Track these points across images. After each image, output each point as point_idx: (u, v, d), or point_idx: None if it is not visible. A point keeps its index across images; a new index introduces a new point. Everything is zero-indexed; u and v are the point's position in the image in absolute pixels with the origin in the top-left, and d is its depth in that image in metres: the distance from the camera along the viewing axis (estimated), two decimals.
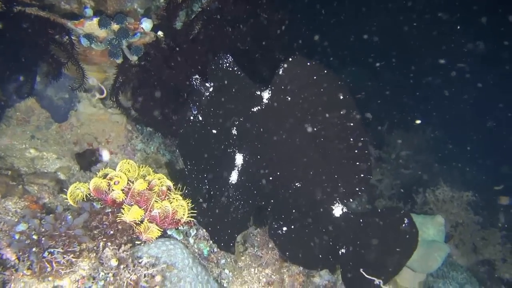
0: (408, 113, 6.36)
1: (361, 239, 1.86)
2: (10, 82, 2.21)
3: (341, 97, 1.71)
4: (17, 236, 1.65)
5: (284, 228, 1.95)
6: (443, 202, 3.85)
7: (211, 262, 1.97)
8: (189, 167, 2.14)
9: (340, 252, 1.89)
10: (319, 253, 1.94)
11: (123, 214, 1.89)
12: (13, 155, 2.51)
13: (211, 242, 2.03)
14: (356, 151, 1.75)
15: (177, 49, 2.37)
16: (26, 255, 1.57)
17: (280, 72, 1.75)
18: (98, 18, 2.17)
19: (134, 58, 2.34)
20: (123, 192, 1.95)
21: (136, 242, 1.89)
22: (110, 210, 1.94)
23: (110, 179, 2.01)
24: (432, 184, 4.20)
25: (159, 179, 2.12)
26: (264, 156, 1.93)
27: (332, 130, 1.76)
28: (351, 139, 1.74)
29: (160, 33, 2.45)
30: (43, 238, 1.61)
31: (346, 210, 1.85)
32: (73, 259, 1.63)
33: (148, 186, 2.03)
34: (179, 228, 2.06)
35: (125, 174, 2.03)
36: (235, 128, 1.95)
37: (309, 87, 1.74)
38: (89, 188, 1.94)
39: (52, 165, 2.57)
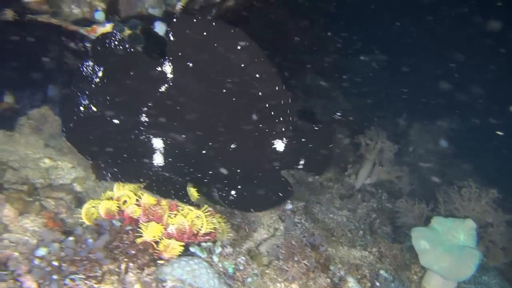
0: (429, 104, 6.16)
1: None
2: (23, 90, 2.12)
3: (241, 46, 1.62)
4: (36, 262, 1.58)
5: (233, 192, 2.06)
6: (468, 200, 3.70)
7: (237, 281, 1.88)
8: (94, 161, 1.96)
9: (300, 165, 2.17)
10: (273, 189, 2.16)
11: (142, 232, 1.81)
12: (28, 166, 2.43)
13: (237, 259, 1.94)
14: (271, 92, 1.78)
15: None
16: (47, 283, 1.49)
17: (171, 38, 1.62)
18: (111, 24, 2.05)
19: None
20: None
21: (158, 262, 1.81)
22: (130, 228, 1.86)
23: (118, 199, 1.93)
24: (455, 180, 4.04)
25: None
26: (189, 132, 1.87)
27: (244, 83, 1.73)
28: (265, 85, 1.75)
29: None
30: (64, 265, 1.53)
31: (286, 141, 2.00)
32: (95, 285, 1.55)
33: (156, 201, 1.95)
34: (202, 244, 1.97)
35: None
36: (144, 115, 1.80)
37: (207, 46, 1.64)
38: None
39: (67, 175, 2.49)
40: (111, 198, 1.94)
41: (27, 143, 2.55)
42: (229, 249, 1.95)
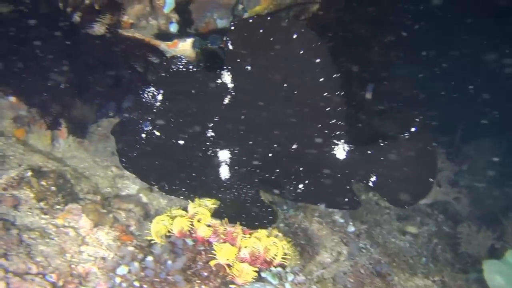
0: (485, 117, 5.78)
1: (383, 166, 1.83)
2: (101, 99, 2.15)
3: (297, 37, 1.52)
4: (118, 280, 1.58)
5: (300, 186, 1.90)
6: None
7: None
8: (163, 186, 1.93)
9: (370, 182, 1.85)
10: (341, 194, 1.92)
11: (215, 253, 1.76)
12: (97, 174, 2.48)
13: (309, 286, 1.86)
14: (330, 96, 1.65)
15: None
16: None
17: (230, 47, 1.57)
18: (192, 39, 2.04)
19: None
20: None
21: (230, 286, 1.77)
22: (202, 248, 1.83)
23: (192, 217, 1.90)
24: None
25: None
26: (256, 139, 1.80)
27: (304, 75, 1.62)
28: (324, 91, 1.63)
29: None
30: (145, 286, 1.52)
31: (348, 148, 1.80)
32: None
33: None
34: (272, 269, 1.90)
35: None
36: (211, 130, 1.77)
37: (265, 43, 1.55)
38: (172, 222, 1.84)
39: (132, 184, 2.51)
40: (183, 215, 1.92)
41: (96, 150, 2.60)
42: (301, 277, 1.88)
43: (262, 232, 1.89)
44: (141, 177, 1.95)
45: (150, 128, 1.79)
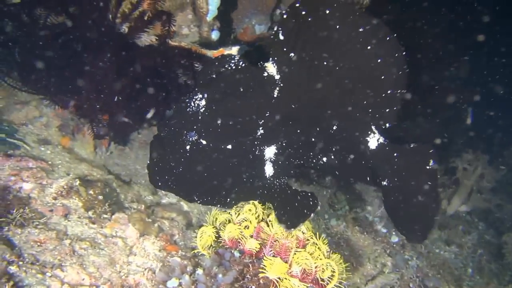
0: None
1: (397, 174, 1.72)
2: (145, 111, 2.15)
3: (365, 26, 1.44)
4: None
5: (325, 159, 1.81)
6: None
7: None
8: (203, 200, 1.79)
9: (382, 184, 1.75)
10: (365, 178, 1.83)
11: (264, 267, 1.72)
12: (138, 182, 2.50)
13: None
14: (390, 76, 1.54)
15: None
16: None
17: (280, 36, 1.51)
18: (238, 47, 2.02)
19: None
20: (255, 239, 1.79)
21: None
22: (249, 260, 1.79)
23: (240, 224, 1.86)
24: None
25: None
26: (300, 128, 1.72)
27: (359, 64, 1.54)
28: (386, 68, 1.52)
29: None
30: None
31: (382, 141, 1.70)
32: None
33: (282, 233, 1.85)
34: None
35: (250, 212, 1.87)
36: (261, 128, 1.68)
37: (305, 29, 1.49)
38: (216, 232, 1.81)
39: None
40: (229, 221, 1.89)
41: (136, 158, 2.62)
42: None
43: (317, 249, 1.82)
44: (186, 194, 1.79)
45: (196, 137, 1.66)
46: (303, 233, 1.91)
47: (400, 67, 1.53)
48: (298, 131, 1.73)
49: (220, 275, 1.60)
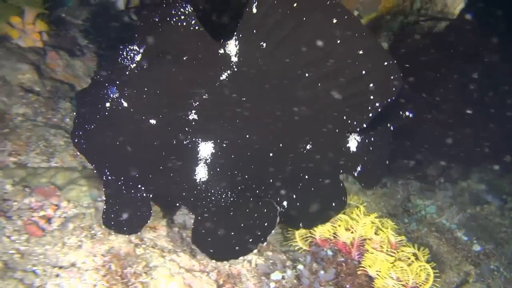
0: None
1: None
2: None
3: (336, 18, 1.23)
4: (272, 285, 1.66)
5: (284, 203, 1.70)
6: None
7: None
8: (110, 176, 1.46)
9: (356, 172, 1.75)
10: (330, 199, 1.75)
11: (362, 263, 1.77)
12: None
13: None
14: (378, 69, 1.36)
15: None
16: None
17: (254, 10, 1.23)
18: None
19: None
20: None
21: None
22: (342, 259, 1.84)
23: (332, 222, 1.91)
24: None
25: (380, 222, 1.95)
26: (251, 132, 1.45)
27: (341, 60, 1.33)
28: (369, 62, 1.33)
29: None
30: None
31: (359, 139, 1.66)
32: None
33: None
34: None
35: None
36: (194, 111, 1.38)
37: (288, 19, 1.25)
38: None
39: None
40: None
41: None
42: None
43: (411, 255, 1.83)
44: (93, 160, 1.49)
45: (116, 95, 1.36)
46: (393, 235, 1.94)
47: (388, 75, 1.38)
48: (248, 136, 1.45)
49: (322, 272, 1.66)
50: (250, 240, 1.60)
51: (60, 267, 1.44)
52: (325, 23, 1.26)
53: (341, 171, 1.77)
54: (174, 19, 1.26)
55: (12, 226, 1.53)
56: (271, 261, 1.79)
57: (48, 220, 1.61)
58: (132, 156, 1.42)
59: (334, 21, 1.24)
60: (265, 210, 1.60)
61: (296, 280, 1.67)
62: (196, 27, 1.28)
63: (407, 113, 1.85)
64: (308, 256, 1.74)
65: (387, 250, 1.80)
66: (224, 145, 1.44)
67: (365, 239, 1.83)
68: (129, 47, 1.34)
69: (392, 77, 1.37)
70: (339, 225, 1.79)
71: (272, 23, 1.26)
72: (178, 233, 1.83)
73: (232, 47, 1.32)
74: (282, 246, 2.09)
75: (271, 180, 1.59)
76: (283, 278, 1.68)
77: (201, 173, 1.47)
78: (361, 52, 1.31)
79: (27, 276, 1.36)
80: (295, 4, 1.23)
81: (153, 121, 1.37)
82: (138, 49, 1.34)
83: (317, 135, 1.55)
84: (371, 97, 1.41)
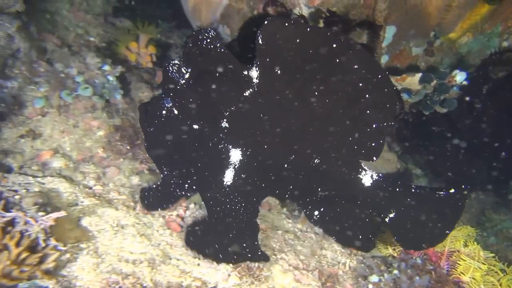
0: None
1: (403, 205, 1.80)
2: None
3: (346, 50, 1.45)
4: (370, 287, 1.87)
5: (316, 213, 1.87)
6: None
7: None
8: (165, 173, 1.81)
9: (387, 218, 1.82)
10: (357, 229, 1.89)
11: (454, 270, 1.91)
12: None
13: None
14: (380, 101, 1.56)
15: None
16: None
17: (260, 42, 1.47)
18: (421, 74, 2.23)
19: (443, 110, 2.33)
20: None
21: None
22: (432, 267, 2.01)
23: None
24: None
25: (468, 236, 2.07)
26: (271, 144, 1.69)
27: (341, 91, 1.56)
28: (374, 93, 1.54)
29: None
30: None
31: (376, 178, 1.76)
32: None
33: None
34: None
35: None
36: (225, 120, 1.66)
37: (299, 51, 1.49)
38: None
39: None
40: None
41: None
42: None
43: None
44: (154, 159, 1.84)
45: (169, 104, 1.69)
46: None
47: (392, 101, 1.57)
48: (266, 146, 1.69)
49: (417, 277, 1.85)
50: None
51: (199, 258, 1.75)
52: (327, 51, 1.49)
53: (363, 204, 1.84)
54: (211, 46, 1.56)
55: (157, 222, 1.87)
56: (367, 264, 2.00)
57: (182, 219, 1.94)
58: (179, 154, 1.74)
59: (337, 50, 1.48)
60: None
61: (392, 283, 1.86)
62: (226, 54, 1.58)
63: None
64: (403, 263, 1.92)
65: (478, 260, 1.94)
66: (248, 150, 1.70)
67: (453, 251, 1.99)
68: (179, 67, 1.65)
69: (392, 104, 1.58)
70: None
71: (279, 53, 1.51)
72: (281, 235, 2.10)
73: (253, 71, 1.57)
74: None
75: (290, 187, 1.81)
76: (380, 281, 1.88)
77: (229, 175, 1.72)
78: (366, 82, 1.53)
79: (178, 263, 1.68)
80: (295, 42, 1.47)
81: (196, 126, 1.69)
82: (186, 69, 1.65)
83: (327, 152, 1.72)
84: (372, 117, 1.60)
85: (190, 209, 2.00)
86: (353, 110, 1.58)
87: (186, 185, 1.78)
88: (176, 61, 1.63)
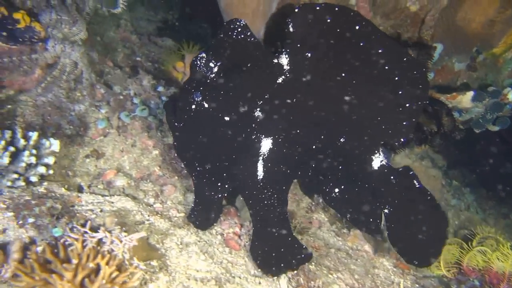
0: None
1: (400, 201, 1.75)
2: None
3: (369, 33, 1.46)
4: None
5: (336, 190, 1.82)
6: None
7: None
8: (196, 173, 1.78)
9: (383, 212, 1.78)
10: (366, 212, 1.81)
11: None
12: None
13: None
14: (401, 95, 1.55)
15: None
16: None
17: (291, 29, 1.51)
18: (472, 92, 2.23)
19: (495, 129, 2.32)
20: None
21: None
22: None
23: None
24: None
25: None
26: (303, 129, 1.70)
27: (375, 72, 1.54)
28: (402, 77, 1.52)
29: None
30: None
31: (384, 163, 1.73)
32: None
33: None
34: None
35: None
36: (258, 109, 1.66)
37: (329, 33, 1.50)
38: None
39: None
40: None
41: None
42: None
43: None
44: (183, 160, 1.81)
45: (200, 98, 1.65)
46: None
47: (423, 80, 1.55)
48: (298, 131, 1.71)
49: None
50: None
51: (259, 277, 1.80)
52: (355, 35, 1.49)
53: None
54: (241, 36, 1.59)
55: (216, 240, 1.94)
56: (421, 284, 2.00)
57: (239, 236, 2.00)
58: (210, 149, 1.73)
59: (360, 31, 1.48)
60: None
61: None
62: (256, 43, 1.60)
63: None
64: (463, 285, 1.91)
65: None
66: (280, 138, 1.71)
67: None
68: (207, 60, 1.64)
69: (424, 84, 1.56)
70: (492, 256, 1.95)
71: (310, 38, 1.52)
72: (334, 254, 2.13)
73: (283, 58, 1.60)
74: (417, 271, 2.29)
75: (308, 168, 1.81)
76: None
77: (261, 166, 1.73)
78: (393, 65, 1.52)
79: (241, 281, 1.73)
80: (325, 24, 1.48)
81: (227, 118, 1.67)
82: (215, 62, 1.64)
83: (356, 133, 1.71)
84: (402, 103, 1.58)
85: (245, 227, 2.06)
86: (385, 90, 1.58)
87: (219, 185, 1.79)
88: (204, 54, 1.63)
